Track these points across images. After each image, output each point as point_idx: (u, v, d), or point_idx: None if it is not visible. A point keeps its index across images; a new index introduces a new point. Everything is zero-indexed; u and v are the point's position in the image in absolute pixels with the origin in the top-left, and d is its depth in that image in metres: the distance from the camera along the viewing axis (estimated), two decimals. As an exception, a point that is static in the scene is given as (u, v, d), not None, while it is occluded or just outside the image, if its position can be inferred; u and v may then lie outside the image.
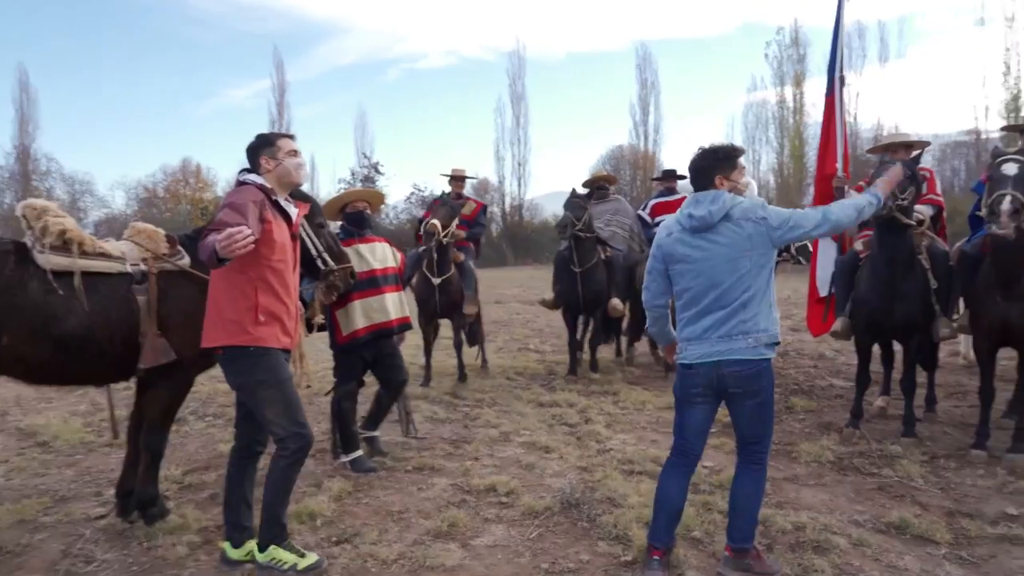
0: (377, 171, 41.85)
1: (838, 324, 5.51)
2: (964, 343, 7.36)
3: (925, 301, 5.03)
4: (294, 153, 3.24)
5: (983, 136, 32.22)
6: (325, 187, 42.02)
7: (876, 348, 5.85)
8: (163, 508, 3.76)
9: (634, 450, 4.92)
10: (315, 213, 3.85)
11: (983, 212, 4.51)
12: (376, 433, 5.02)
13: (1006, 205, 4.13)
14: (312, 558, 3.18)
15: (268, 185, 3.15)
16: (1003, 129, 3.59)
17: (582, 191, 7.69)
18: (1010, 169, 4.25)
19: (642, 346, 8.54)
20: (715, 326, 2.97)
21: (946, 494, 4.12)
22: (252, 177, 3.19)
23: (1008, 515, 3.77)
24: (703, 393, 3.06)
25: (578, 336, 7.74)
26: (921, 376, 5.61)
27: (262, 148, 3.21)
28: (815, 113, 37.10)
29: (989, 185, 4.41)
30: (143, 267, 3.51)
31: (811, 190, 5.95)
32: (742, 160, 3.21)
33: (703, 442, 3.20)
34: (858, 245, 5.57)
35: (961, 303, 5.35)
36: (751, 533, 3.13)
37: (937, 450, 4.88)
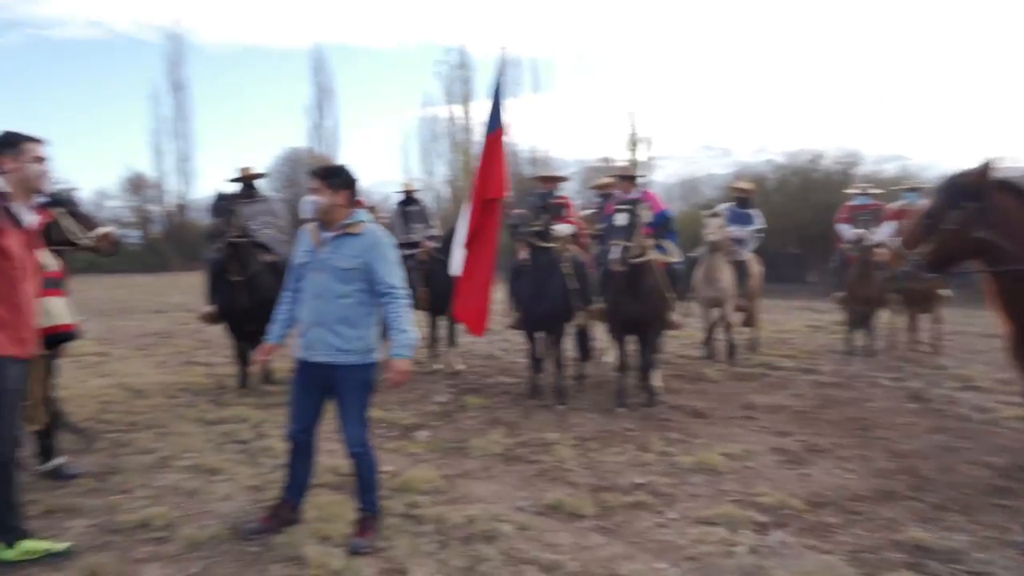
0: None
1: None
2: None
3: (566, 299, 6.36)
4: (39, 159, 3.27)
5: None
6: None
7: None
8: None
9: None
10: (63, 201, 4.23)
11: None
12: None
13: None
14: (64, 544, 3.32)
15: (7, 190, 3.15)
16: (612, 175, 4.88)
17: (231, 190, 7.13)
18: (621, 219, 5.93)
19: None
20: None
21: (591, 472, 4.69)
22: None
23: (637, 484, 4.43)
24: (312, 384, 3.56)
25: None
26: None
27: (4, 148, 3.20)
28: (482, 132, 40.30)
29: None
30: None
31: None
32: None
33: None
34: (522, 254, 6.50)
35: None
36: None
37: (584, 433, 5.56)
